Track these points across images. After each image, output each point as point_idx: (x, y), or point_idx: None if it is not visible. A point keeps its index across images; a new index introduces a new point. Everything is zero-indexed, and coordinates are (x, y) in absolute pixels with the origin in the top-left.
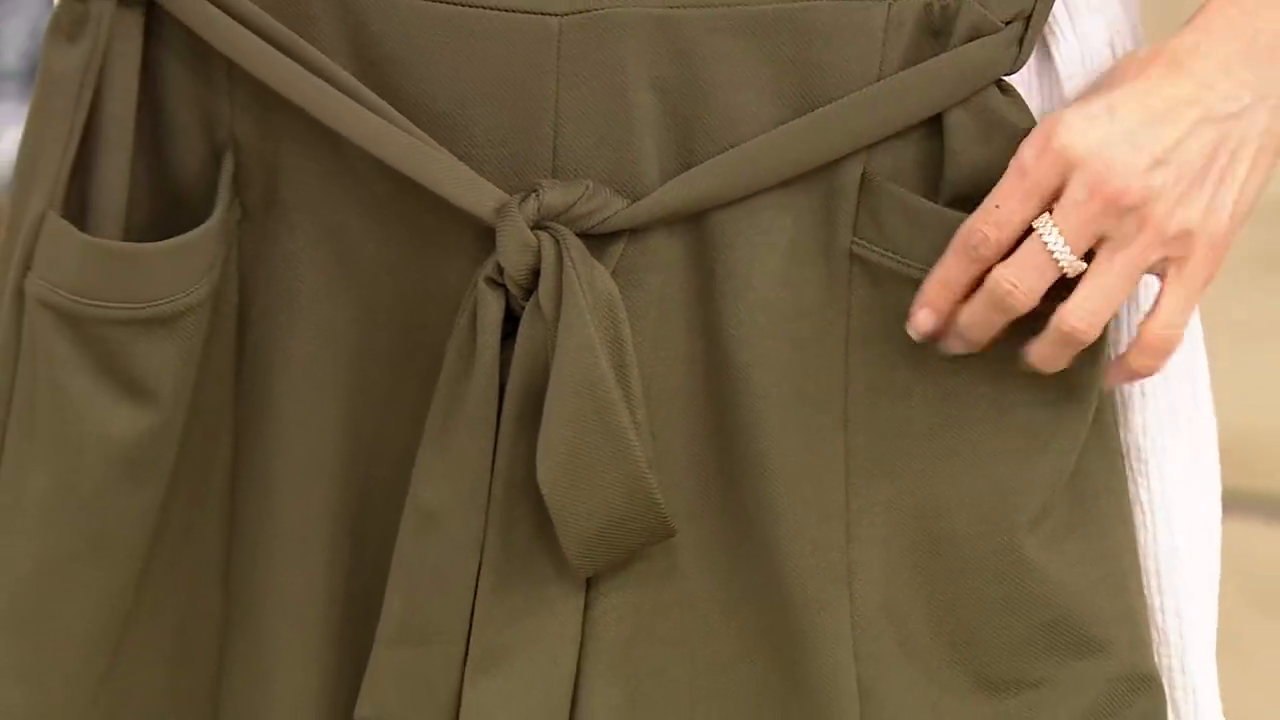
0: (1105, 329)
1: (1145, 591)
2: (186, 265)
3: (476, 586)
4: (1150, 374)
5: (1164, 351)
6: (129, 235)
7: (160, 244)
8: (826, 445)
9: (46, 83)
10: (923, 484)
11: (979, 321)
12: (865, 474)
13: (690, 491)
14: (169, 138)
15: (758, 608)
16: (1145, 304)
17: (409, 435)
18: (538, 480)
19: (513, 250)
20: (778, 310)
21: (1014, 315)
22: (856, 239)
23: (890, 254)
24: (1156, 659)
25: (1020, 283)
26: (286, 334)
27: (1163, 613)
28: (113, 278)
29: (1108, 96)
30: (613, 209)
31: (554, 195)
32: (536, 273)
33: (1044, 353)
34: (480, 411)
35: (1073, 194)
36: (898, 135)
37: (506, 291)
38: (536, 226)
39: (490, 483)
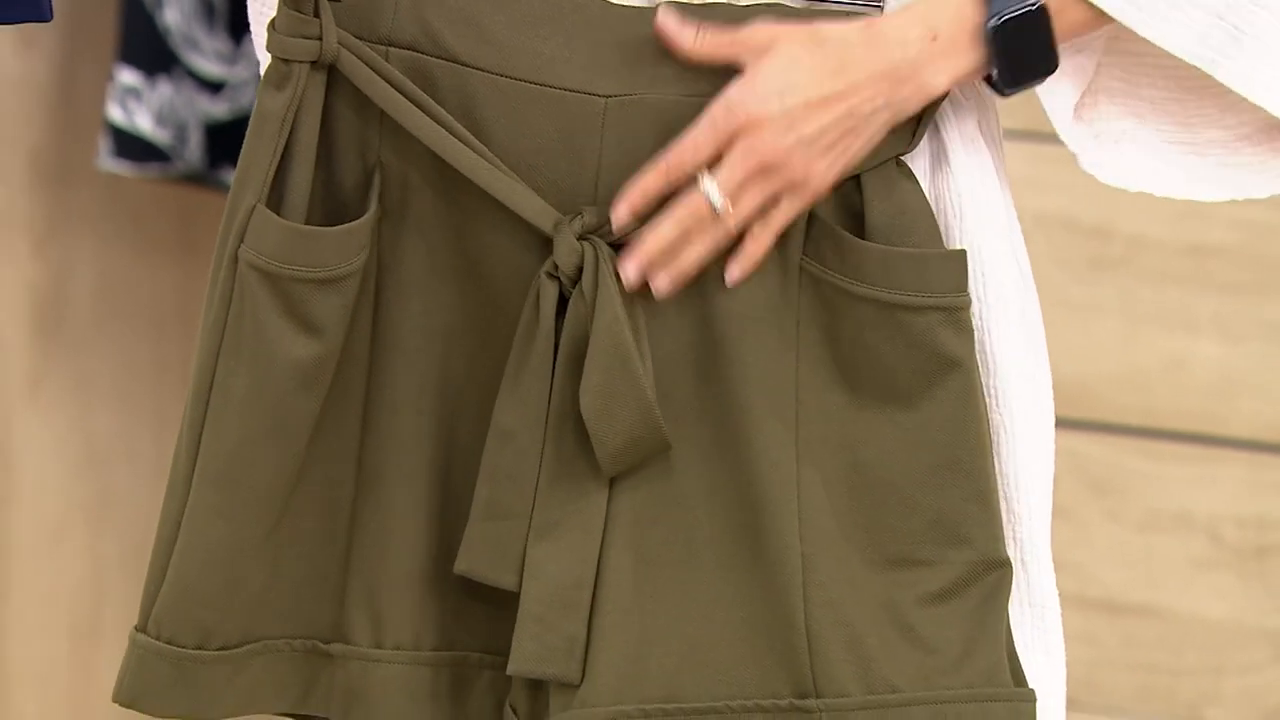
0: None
1: (1005, 487)
2: (348, 244)
3: (537, 482)
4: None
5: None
6: (309, 222)
7: (331, 228)
8: (784, 395)
9: (259, 118)
10: (848, 425)
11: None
12: (809, 418)
13: (687, 423)
14: (337, 158)
15: (733, 505)
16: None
17: (491, 378)
18: (580, 409)
19: (564, 253)
20: (749, 301)
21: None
22: (805, 258)
23: (825, 270)
24: (1012, 533)
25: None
26: (407, 297)
27: (1017, 502)
28: (298, 250)
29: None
30: (632, 227)
31: (593, 216)
32: (581, 269)
33: None
34: (542, 363)
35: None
36: (833, 189)
37: (560, 282)
38: (581, 237)
39: (548, 411)
